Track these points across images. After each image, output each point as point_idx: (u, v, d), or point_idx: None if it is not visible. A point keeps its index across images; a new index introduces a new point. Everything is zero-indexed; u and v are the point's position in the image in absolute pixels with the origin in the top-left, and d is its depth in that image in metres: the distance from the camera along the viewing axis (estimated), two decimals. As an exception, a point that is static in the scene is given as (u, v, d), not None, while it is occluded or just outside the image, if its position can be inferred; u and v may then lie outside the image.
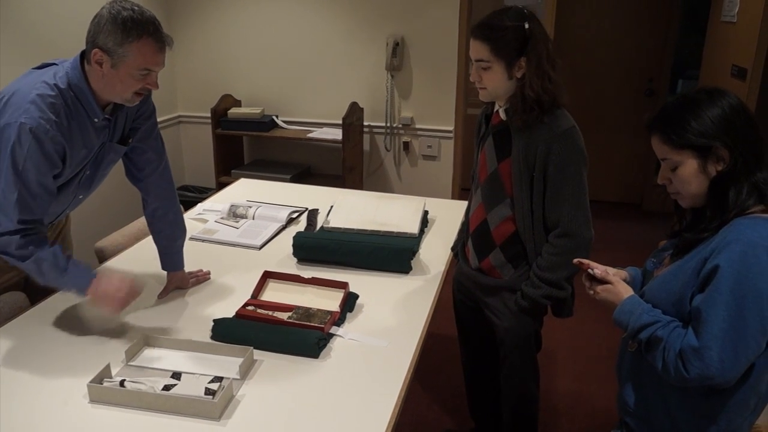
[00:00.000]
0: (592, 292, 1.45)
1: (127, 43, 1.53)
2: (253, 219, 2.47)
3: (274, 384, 1.48)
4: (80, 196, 1.86)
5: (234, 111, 3.97)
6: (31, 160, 1.53)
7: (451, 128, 3.86)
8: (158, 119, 1.90)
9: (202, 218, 2.51)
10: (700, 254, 1.26)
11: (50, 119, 1.55)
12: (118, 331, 1.69)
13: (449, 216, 2.52)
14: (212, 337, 1.65)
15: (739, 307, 1.17)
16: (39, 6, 3.08)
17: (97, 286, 1.62)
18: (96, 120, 1.66)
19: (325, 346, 1.63)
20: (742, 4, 3.35)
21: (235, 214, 2.49)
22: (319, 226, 2.37)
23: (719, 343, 1.18)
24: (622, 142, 5.03)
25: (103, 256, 2.19)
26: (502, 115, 1.79)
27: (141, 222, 2.29)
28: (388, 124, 3.94)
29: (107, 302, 1.63)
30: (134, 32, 1.52)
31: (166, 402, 1.38)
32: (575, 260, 1.49)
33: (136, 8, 1.55)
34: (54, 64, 1.67)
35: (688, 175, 1.28)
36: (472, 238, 1.94)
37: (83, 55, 1.62)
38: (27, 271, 1.62)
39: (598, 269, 1.45)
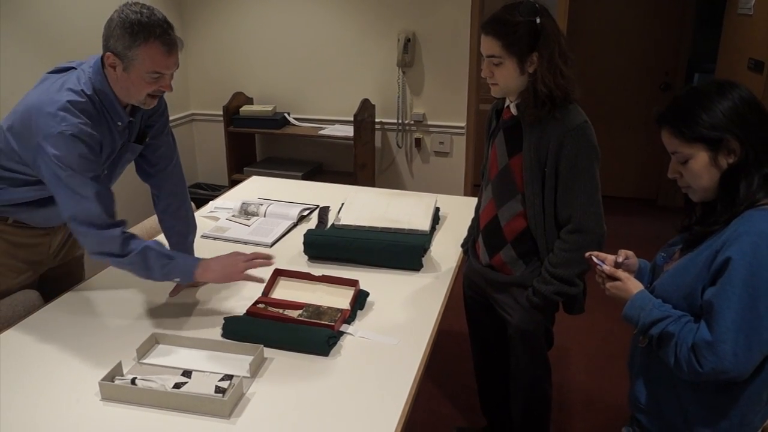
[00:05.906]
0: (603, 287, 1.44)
1: (135, 47, 1.53)
2: (265, 216, 2.47)
3: (285, 382, 1.48)
4: None
5: (246, 109, 3.98)
6: (83, 164, 1.55)
7: (463, 124, 3.84)
8: (171, 117, 1.91)
9: (213, 216, 2.52)
10: (711, 247, 1.25)
11: (86, 122, 1.57)
12: (129, 329, 1.70)
13: (461, 213, 2.50)
14: (223, 335, 1.66)
15: (752, 299, 1.16)
16: (49, 5, 3.10)
17: (207, 268, 1.70)
18: (120, 123, 1.68)
19: (335, 344, 1.62)
20: (759, -4, 3.29)
21: (246, 211, 2.50)
22: (330, 223, 2.37)
23: (733, 336, 1.17)
24: (637, 137, 4.98)
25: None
26: (513, 110, 1.78)
27: (152, 220, 2.30)
28: (400, 121, 3.93)
29: (228, 277, 1.74)
30: (141, 36, 1.53)
31: (176, 400, 1.38)
32: (587, 253, 1.48)
33: (145, 11, 1.54)
34: (72, 67, 1.67)
35: (699, 169, 1.27)
36: (482, 235, 1.93)
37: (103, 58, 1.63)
38: (128, 267, 1.64)
39: (606, 265, 1.44)
